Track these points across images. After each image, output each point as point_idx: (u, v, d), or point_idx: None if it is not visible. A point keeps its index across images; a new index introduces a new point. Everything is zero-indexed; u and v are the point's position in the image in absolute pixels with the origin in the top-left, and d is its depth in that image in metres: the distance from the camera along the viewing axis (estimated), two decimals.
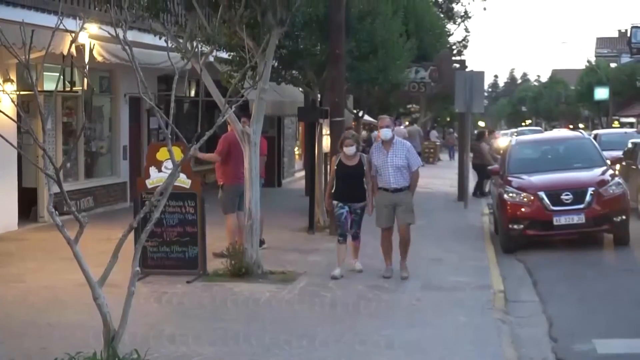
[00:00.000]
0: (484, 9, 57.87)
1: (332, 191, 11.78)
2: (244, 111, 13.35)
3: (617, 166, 17.81)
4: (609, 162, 16.13)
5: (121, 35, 6.10)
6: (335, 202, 11.71)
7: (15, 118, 6.70)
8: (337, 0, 15.97)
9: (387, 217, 11.69)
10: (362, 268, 11.90)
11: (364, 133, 38.16)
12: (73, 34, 6.44)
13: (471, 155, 24.15)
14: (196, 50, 10.51)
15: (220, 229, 13.36)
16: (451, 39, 35.80)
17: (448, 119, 63.06)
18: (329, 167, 12.91)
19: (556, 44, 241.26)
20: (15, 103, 6.56)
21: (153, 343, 8.08)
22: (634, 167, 19.13)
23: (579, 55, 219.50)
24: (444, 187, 26.83)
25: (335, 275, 11.43)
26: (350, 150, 11.64)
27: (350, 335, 8.52)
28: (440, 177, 30.43)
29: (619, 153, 20.38)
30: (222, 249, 12.84)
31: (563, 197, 14.41)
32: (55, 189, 5.90)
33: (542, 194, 14.53)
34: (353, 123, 28.32)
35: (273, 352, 7.93)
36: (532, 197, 14.64)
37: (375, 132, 46.08)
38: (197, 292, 10.64)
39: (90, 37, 14.61)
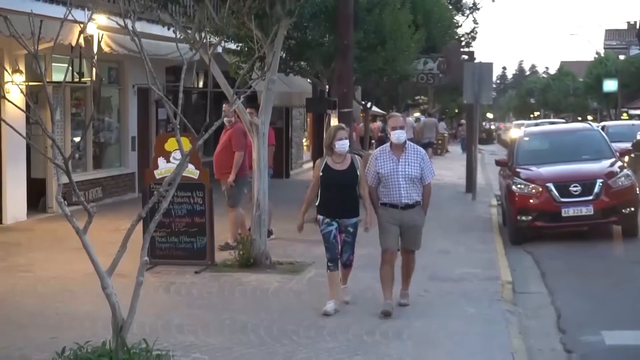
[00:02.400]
0: (493, 0, 57.64)
1: (317, 204, 9.43)
2: (251, 102, 13.36)
3: (626, 158, 17.74)
4: (617, 154, 16.08)
5: (130, 26, 6.10)
6: (320, 217, 9.37)
7: (24, 109, 6.71)
8: None
9: (390, 237, 9.34)
10: (349, 299, 9.56)
11: (378, 123, 38.11)
12: (82, 25, 6.43)
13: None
14: (205, 41, 10.50)
15: (226, 221, 13.36)
16: (459, 31, 35.65)
17: (456, 111, 62.96)
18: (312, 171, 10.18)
19: (565, 35, 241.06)
20: (25, 93, 6.57)
21: (162, 333, 8.10)
22: None
23: (587, 47, 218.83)
24: (453, 178, 26.79)
25: (327, 312, 8.98)
26: (342, 145, 9.27)
27: (358, 326, 8.53)
28: (449, 169, 30.38)
29: (627, 145, 20.32)
30: (226, 241, 12.87)
31: (571, 188, 14.38)
32: (64, 179, 5.91)
33: (550, 186, 14.51)
34: (361, 114, 28.34)
35: (281, 342, 7.95)
36: (540, 189, 14.61)
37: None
38: (206, 282, 10.66)
39: (98, 28, 14.62)
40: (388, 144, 9.52)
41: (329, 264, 9.26)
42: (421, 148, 9.72)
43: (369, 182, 9.43)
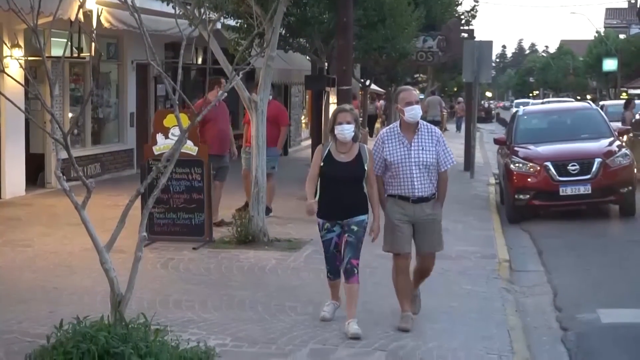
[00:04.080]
0: None
1: (316, 199, 7.74)
2: (251, 79, 13.35)
3: (624, 137, 17.74)
4: (616, 133, 16.10)
5: (130, 1, 6.08)
6: (320, 221, 7.76)
7: (23, 83, 6.70)
8: None
9: (403, 237, 7.81)
10: (359, 332, 7.40)
11: (381, 102, 38.02)
12: (81, 0, 6.42)
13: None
14: (204, 17, 10.47)
15: (224, 198, 13.40)
16: (459, 9, 35.50)
17: (455, 89, 62.85)
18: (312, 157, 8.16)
19: (565, 14, 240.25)
20: (24, 68, 6.56)
21: (160, 308, 8.14)
22: None
23: (587, 26, 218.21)
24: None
25: (325, 317, 7.93)
26: (343, 131, 7.62)
27: None
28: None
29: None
30: (221, 217, 12.91)
31: (570, 167, 14.42)
32: (63, 154, 5.92)
33: (548, 164, 14.54)
34: (360, 92, 28.29)
35: (279, 318, 7.98)
36: (538, 168, 14.64)
37: None
38: (204, 258, 10.69)
39: (97, 3, 14.59)
40: (396, 123, 7.94)
41: (328, 274, 7.96)
42: (437, 128, 8.00)
43: (377, 171, 7.88)
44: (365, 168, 7.70)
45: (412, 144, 7.76)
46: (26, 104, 14.90)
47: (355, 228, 7.65)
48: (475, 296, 9.09)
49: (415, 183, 7.75)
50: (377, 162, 7.85)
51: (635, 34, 63.56)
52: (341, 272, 7.75)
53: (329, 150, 7.79)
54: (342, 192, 7.67)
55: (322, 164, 7.73)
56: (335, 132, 7.69)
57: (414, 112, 7.77)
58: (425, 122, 7.93)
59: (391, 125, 8.02)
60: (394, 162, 7.77)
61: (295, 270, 10.07)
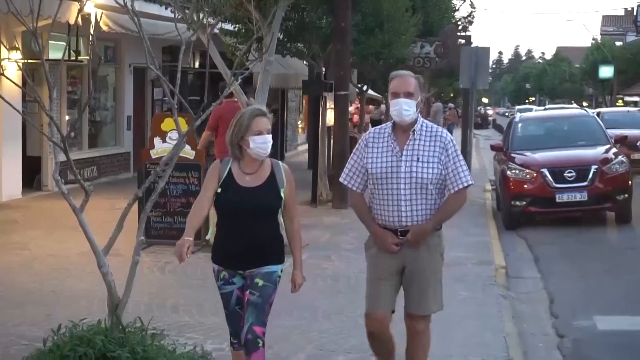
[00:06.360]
0: None
1: (207, 237, 5.72)
2: (248, 83, 13.33)
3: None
4: (612, 140, 16.13)
5: (129, 5, 6.09)
6: (214, 267, 5.67)
7: (21, 86, 6.71)
8: None
9: (384, 289, 5.80)
10: None
11: (383, 107, 38.02)
12: (80, 3, 6.42)
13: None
14: (204, 22, 10.48)
15: None
16: (457, 15, 35.57)
17: (452, 95, 62.92)
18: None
19: (561, 21, 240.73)
20: (22, 71, 6.57)
21: (157, 312, 8.14)
22: None
23: (584, 33, 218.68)
24: None
25: None
26: (261, 145, 5.39)
27: (352, 308, 8.54)
28: None
29: (622, 131, 20.35)
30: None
31: (566, 174, 14.43)
32: (61, 157, 5.91)
33: (545, 171, 14.56)
34: (357, 97, 28.32)
35: (275, 324, 7.96)
36: (535, 174, 14.66)
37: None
38: (201, 262, 10.67)
39: (96, 6, 14.58)
40: (389, 123, 5.87)
41: (231, 340, 5.78)
42: (447, 132, 5.80)
43: (349, 183, 5.87)
44: (282, 195, 5.47)
45: (404, 152, 5.64)
46: (24, 107, 14.89)
47: (261, 282, 5.45)
48: (471, 302, 9.09)
49: (403, 207, 5.61)
50: (356, 172, 5.84)
51: (632, 41, 63.70)
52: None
53: (229, 169, 5.50)
54: (245, 230, 5.43)
55: (219, 189, 5.45)
56: (251, 145, 5.37)
57: (399, 107, 5.65)
58: (428, 122, 5.80)
59: (383, 125, 5.92)
60: (376, 175, 5.68)
61: (290, 275, 10.03)
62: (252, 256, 5.45)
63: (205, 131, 12.78)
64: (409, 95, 5.64)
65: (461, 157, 5.70)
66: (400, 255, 5.69)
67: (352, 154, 5.91)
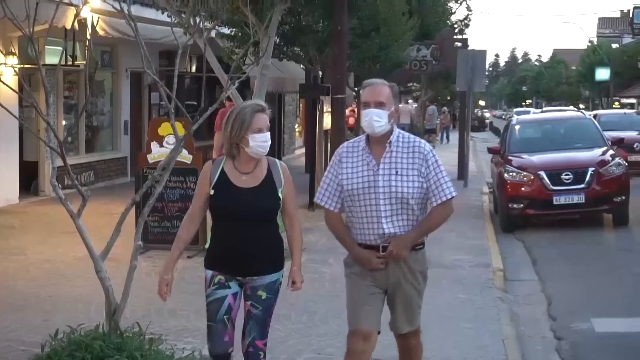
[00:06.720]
0: None
1: (205, 246, 5.51)
2: (245, 87, 13.34)
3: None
4: (609, 142, 16.14)
5: (126, 10, 6.09)
6: (207, 272, 5.43)
7: (17, 91, 6.71)
8: None
9: (368, 308, 5.39)
10: None
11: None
12: (76, 8, 6.43)
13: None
14: (201, 26, 10.49)
15: None
16: (453, 18, 35.66)
17: (449, 98, 62.99)
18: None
19: (558, 23, 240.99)
20: (19, 76, 6.57)
21: (154, 317, 8.12)
22: None
23: (580, 35, 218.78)
24: (444, 166, 26.68)
25: None
26: (261, 143, 5.15)
27: None
28: (440, 156, 30.31)
29: (619, 134, 20.39)
30: None
31: (563, 176, 14.45)
32: (58, 162, 5.91)
33: (542, 174, 14.57)
34: (354, 101, 28.34)
35: (273, 328, 7.90)
36: (532, 177, 14.67)
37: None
38: (198, 267, 10.60)
39: (92, 11, 14.57)
40: (363, 135, 5.50)
41: (212, 357, 5.40)
42: (424, 142, 5.50)
43: (325, 203, 5.47)
44: (280, 195, 5.21)
45: (381, 165, 5.33)
46: (20, 112, 14.88)
47: (264, 295, 5.22)
48: (469, 305, 9.09)
49: (384, 224, 5.30)
50: (331, 189, 5.43)
51: (628, 44, 63.76)
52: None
53: (222, 168, 5.20)
54: (244, 235, 5.13)
55: (211, 191, 5.16)
56: (251, 144, 5.09)
57: (368, 119, 5.31)
58: (405, 133, 5.48)
59: (357, 137, 5.60)
60: (352, 192, 5.34)
61: (288, 279, 10.02)
62: (253, 263, 5.18)
63: (216, 133, 12.80)
64: (380, 105, 5.31)
65: (442, 168, 5.46)
66: (383, 273, 5.36)
67: (326, 171, 5.53)
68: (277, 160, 5.39)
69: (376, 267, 5.31)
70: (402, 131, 5.49)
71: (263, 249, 5.20)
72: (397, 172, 5.30)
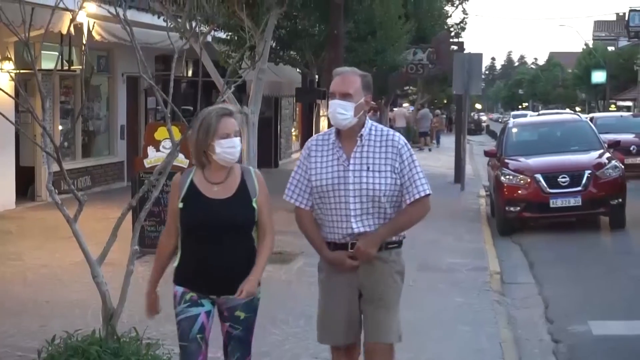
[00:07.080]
0: None
1: (175, 265, 5.11)
2: (241, 92, 13.35)
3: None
4: (605, 145, 16.15)
5: (122, 14, 6.08)
6: (177, 289, 5.09)
7: (13, 96, 6.70)
8: None
9: (343, 318, 5.09)
10: None
11: (377, 114, 38.19)
12: (72, 13, 6.42)
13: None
14: (197, 30, 10.49)
15: None
16: (449, 21, 35.75)
17: (445, 101, 63.10)
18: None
19: (554, 26, 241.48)
20: (15, 81, 6.56)
21: (151, 322, 8.06)
22: None
23: (576, 38, 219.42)
24: (441, 169, 26.85)
25: None
26: (236, 150, 4.78)
27: None
28: (436, 159, 30.45)
29: (615, 136, 20.42)
30: None
31: (560, 179, 14.45)
32: (55, 167, 5.90)
33: (539, 177, 14.57)
34: None
35: (270, 332, 7.96)
36: (528, 180, 14.67)
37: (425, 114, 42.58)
38: None
39: (88, 16, 14.56)
40: (333, 128, 5.13)
41: None
42: (399, 135, 5.09)
43: (295, 200, 5.13)
44: (255, 206, 4.80)
45: (352, 160, 4.97)
46: (16, 117, 14.87)
47: (242, 315, 4.89)
48: (466, 308, 9.09)
49: (354, 223, 4.95)
50: (301, 186, 5.10)
51: (624, 46, 63.90)
52: None
53: (191, 179, 4.87)
54: (218, 250, 4.76)
55: (180, 204, 4.83)
56: (217, 150, 4.73)
57: (332, 111, 4.97)
58: (379, 125, 5.13)
59: (327, 130, 5.21)
60: (320, 188, 5.01)
61: (286, 283, 10.04)
62: (228, 280, 4.74)
63: None
64: (346, 96, 4.93)
65: (417, 164, 5.02)
66: (355, 276, 5.00)
67: (295, 167, 5.18)
68: (250, 167, 5.04)
69: (349, 266, 4.97)
70: (375, 123, 5.11)
71: (238, 265, 4.78)
72: (368, 168, 4.93)
